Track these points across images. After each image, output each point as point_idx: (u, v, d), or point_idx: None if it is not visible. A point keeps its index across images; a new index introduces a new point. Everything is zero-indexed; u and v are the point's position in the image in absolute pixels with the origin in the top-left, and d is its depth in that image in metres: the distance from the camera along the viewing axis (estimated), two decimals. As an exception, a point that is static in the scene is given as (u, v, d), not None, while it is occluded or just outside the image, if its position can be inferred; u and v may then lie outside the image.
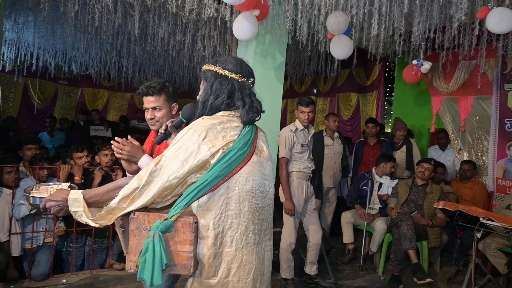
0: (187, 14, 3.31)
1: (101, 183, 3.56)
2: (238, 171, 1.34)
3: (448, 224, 4.10)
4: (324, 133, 4.38)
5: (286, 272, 3.43)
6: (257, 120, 1.47)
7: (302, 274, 3.67)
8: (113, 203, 1.33)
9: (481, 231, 3.46)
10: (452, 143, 5.18)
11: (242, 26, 2.90)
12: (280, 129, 4.30)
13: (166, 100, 1.98)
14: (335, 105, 7.36)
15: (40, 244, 3.40)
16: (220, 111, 1.43)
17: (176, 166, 1.29)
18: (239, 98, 1.42)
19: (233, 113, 1.44)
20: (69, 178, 3.50)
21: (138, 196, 1.31)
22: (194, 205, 1.35)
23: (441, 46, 3.83)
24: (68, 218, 3.51)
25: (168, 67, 7.05)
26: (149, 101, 1.96)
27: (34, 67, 6.56)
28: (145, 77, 7.66)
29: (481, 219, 3.38)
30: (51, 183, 1.87)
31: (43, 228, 3.41)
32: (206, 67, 1.48)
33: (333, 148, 4.35)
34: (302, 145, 3.31)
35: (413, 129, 5.70)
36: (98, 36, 5.46)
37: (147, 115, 1.98)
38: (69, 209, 1.41)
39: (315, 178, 3.48)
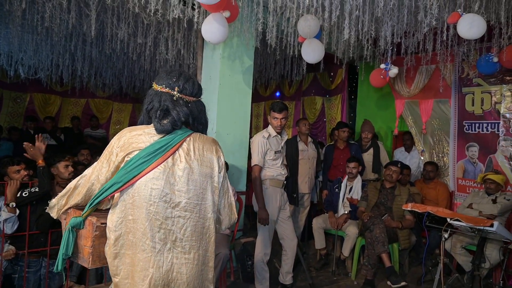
0: (152, 15, 3.10)
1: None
2: (139, 178, 1.41)
3: (415, 225, 4.20)
4: (298, 139, 4.32)
5: (261, 283, 3.31)
6: (174, 129, 1.49)
7: (276, 284, 3.57)
8: (53, 201, 1.56)
9: (448, 231, 3.57)
10: (415, 145, 5.34)
11: (212, 28, 2.75)
12: (250, 134, 4.20)
13: None
14: (300, 108, 7.38)
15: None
16: (151, 121, 1.53)
17: (94, 170, 1.48)
18: (155, 109, 1.50)
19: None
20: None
21: (71, 195, 1.52)
22: None
23: (406, 51, 3.91)
24: (18, 239, 3.15)
25: (128, 71, 6.70)
26: None
27: (-26, 71, 5.99)
28: (102, 81, 7.24)
29: (448, 219, 3.47)
30: None
31: (-14, 250, 3.03)
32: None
33: (307, 153, 4.30)
34: (275, 152, 3.20)
35: (377, 131, 5.82)
36: (49, 37, 5.05)
37: None
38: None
39: (289, 184, 3.39)
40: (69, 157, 3.32)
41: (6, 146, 6.14)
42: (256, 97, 8.19)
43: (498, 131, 4.50)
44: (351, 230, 4.16)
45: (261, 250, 3.26)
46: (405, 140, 5.28)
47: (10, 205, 3.03)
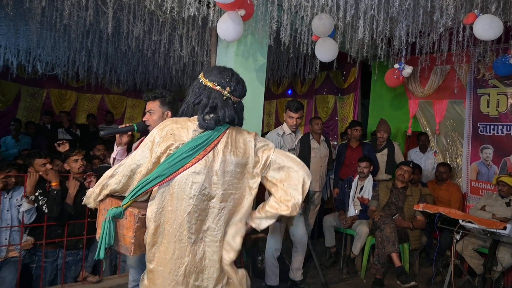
0: (167, 12, 3.15)
1: (77, 194, 3.33)
2: (181, 172, 1.46)
3: (426, 225, 4.18)
4: (311, 137, 4.34)
5: (271, 279, 3.35)
6: (216, 127, 1.52)
7: (286, 280, 3.60)
8: (91, 189, 1.61)
9: (460, 233, 3.55)
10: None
11: (228, 26, 2.79)
12: (264, 132, 4.23)
13: (160, 106, 2.28)
14: (312, 107, 7.38)
15: (3, 258, 3.11)
16: (194, 115, 1.56)
17: (134, 160, 1.51)
18: (203, 104, 1.53)
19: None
20: (37, 187, 3.21)
21: (107, 183, 1.54)
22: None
23: (420, 51, 3.88)
24: (35, 230, 3.25)
25: (142, 68, 6.78)
26: (147, 106, 2.32)
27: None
28: (117, 77, 7.34)
29: (460, 221, 3.45)
30: None
31: (5, 239, 3.12)
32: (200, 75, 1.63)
33: (319, 151, 4.31)
34: (289, 150, 3.23)
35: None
36: (67, 34, 5.15)
37: (145, 118, 2.30)
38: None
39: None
40: (78, 151, 3.40)
41: (25, 141, 6.30)
42: (268, 95, 8.21)
43: (513, 133, 4.44)
44: (361, 229, 4.17)
45: (272, 246, 3.30)
46: (421, 140, 5.22)
47: (30, 198, 3.13)
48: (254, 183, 1.57)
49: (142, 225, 1.50)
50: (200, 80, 1.58)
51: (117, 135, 2.21)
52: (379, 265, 3.78)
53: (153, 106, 2.26)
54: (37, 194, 3.13)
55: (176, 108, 2.35)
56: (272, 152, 1.58)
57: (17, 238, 3.17)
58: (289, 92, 8.16)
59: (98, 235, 1.59)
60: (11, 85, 7.92)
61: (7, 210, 3.14)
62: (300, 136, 3.44)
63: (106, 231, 1.48)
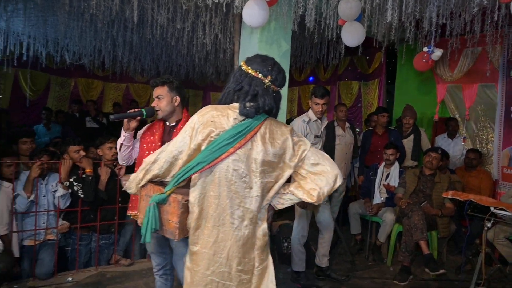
0: (191, 0, 3.15)
1: (108, 180, 3.44)
2: (222, 159, 1.49)
3: (455, 213, 4.09)
4: (335, 124, 4.30)
5: (298, 265, 3.38)
6: (256, 115, 1.54)
7: (312, 267, 3.63)
8: (134, 174, 1.66)
9: (492, 221, 3.46)
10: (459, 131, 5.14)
11: (254, 12, 2.77)
12: (286, 119, 4.21)
13: (168, 91, 2.29)
14: (336, 93, 7.27)
15: (42, 241, 3.28)
16: (234, 102, 1.58)
17: (176, 146, 1.54)
18: (244, 92, 1.56)
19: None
20: (71, 173, 3.34)
21: (149, 169, 1.59)
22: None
23: (450, 33, 3.73)
24: (72, 215, 3.39)
25: (165, 56, 6.85)
26: (155, 91, 2.31)
27: (24, 57, 6.31)
28: (141, 66, 7.44)
29: (492, 208, 3.36)
30: None
31: (43, 223, 3.29)
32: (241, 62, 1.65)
33: (344, 138, 4.27)
34: (315, 136, 3.21)
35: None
36: (93, 24, 5.25)
37: (154, 104, 2.30)
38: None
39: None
40: (113, 139, 3.49)
41: (56, 129, 6.52)
42: (290, 82, 8.12)
43: (549, 118, 4.25)
44: (387, 217, 4.13)
45: (299, 232, 3.32)
46: (450, 126, 5.06)
47: (64, 184, 3.26)
48: (286, 173, 1.59)
49: (185, 210, 1.54)
50: (242, 68, 1.60)
51: (125, 120, 2.23)
52: (406, 253, 3.74)
53: (162, 91, 2.27)
54: (71, 180, 3.26)
55: (183, 93, 2.38)
56: (308, 147, 1.61)
57: (54, 222, 3.33)
58: (311, 79, 8.06)
59: (140, 220, 1.63)
60: (41, 75, 8.20)
61: (44, 196, 3.29)
62: (326, 122, 3.41)
63: (152, 217, 1.51)
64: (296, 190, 1.60)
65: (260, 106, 1.54)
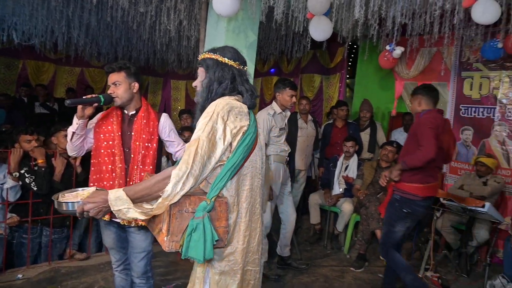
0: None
1: (64, 172, 3.23)
2: (252, 152, 1.52)
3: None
4: (298, 116, 4.35)
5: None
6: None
7: (274, 256, 3.69)
8: (168, 189, 1.33)
9: (440, 211, 3.73)
10: (413, 126, 5.41)
11: (224, 0, 2.71)
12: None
13: (126, 77, 2.17)
14: (298, 86, 7.36)
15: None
16: (224, 96, 1.55)
17: (211, 148, 1.40)
18: (241, 83, 1.57)
19: (237, 98, 1.57)
20: (21, 164, 3.11)
21: (187, 179, 1.35)
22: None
23: (411, 32, 3.90)
24: (20, 207, 3.17)
25: (125, 41, 6.54)
26: (110, 77, 2.18)
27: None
28: (98, 50, 7.05)
29: (441, 199, 3.62)
30: (79, 189, 1.67)
31: (-10, 218, 3.05)
32: (205, 55, 1.61)
33: (306, 131, 4.35)
34: (280, 129, 3.24)
35: (375, 111, 5.86)
36: (46, 1, 4.88)
37: (110, 91, 2.17)
38: (112, 209, 1.35)
39: (292, 161, 3.46)
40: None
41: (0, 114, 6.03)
42: (254, 73, 8.12)
43: (493, 116, 4.59)
44: (345, 207, 4.29)
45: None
46: (406, 120, 5.32)
47: (14, 175, 3.03)
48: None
49: (230, 210, 1.48)
50: (219, 60, 1.56)
51: (79, 107, 2.03)
52: (363, 241, 3.93)
53: (119, 77, 2.15)
54: (23, 171, 3.03)
55: (141, 79, 2.28)
56: None
57: (1, 216, 3.10)
58: (272, 70, 8.08)
59: (174, 244, 1.38)
60: (-17, 56, 7.51)
61: (-10, 187, 3.05)
62: (289, 114, 3.45)
63: (209, 228, 1.35)
64: None
65: (256, 95, 1.61)
